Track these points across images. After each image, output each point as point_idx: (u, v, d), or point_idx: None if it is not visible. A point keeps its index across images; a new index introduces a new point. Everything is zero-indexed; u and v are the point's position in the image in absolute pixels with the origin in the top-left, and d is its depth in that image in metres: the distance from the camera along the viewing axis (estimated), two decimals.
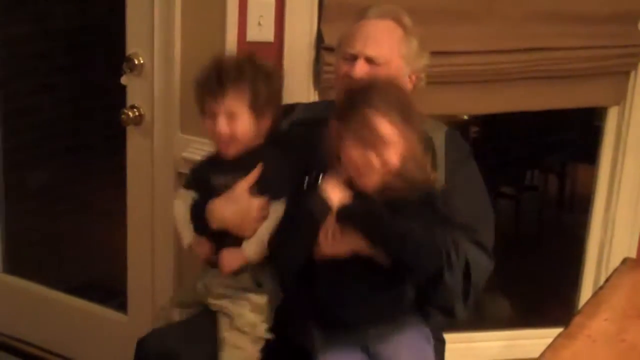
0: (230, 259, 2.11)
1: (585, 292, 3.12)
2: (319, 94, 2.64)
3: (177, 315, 2.22)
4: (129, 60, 2.79)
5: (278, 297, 2.15)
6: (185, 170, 2.60)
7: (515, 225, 5.24)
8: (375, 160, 1.88)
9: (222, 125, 2.08)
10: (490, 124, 4.95)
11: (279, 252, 2.05)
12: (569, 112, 3.16)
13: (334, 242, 1.93)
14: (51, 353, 3.34)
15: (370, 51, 2.11)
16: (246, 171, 2.11)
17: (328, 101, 2.34)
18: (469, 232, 2.12)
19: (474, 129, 5.23)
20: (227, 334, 2.08)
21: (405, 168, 1.91)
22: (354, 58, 2.13)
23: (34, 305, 3.39)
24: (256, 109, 2.09)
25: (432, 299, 2.08)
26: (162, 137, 2.79)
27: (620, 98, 2.94)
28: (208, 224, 2.12)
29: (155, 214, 2.87)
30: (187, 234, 2.19)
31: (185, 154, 2.69)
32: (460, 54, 2.69)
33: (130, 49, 2.80)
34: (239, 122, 2.08)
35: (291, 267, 2.05)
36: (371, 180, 1.90)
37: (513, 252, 4.59)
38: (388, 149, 1.89)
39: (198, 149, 2.57)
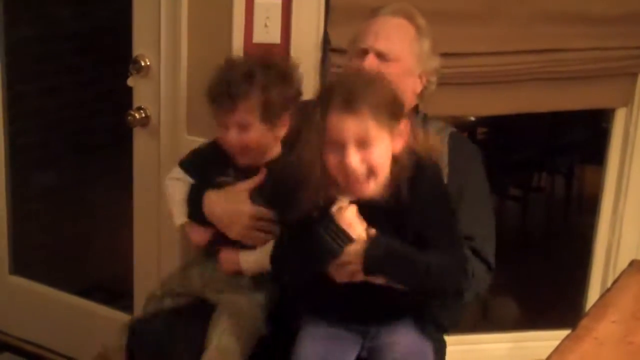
0: (228, 260, 2.10)
1: (593, 294, 3.11)
2: None
3: (168, 303, 2.18)
4: (136, 62, 2.79)
5: (275, 296, 2.12)
6: None
7: (522, 226, 5.24)
8: (359, 166, 1.76)
9: (233, 136, 2.04)
10: (497, 125, 4.95)
11: (283, 270, 1.98)
12: (576, 113, 3.16)
13: (350, 275, 1.85)
14: (57, 354, 3.35)
15: (381, 46, 2.09)
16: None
17: None
18: (469, 241, 2.08)
19: (481, 130, 5.23)
20: (227, 323, 2.05)
21: (401, 162, 1.81)
22: (365, 53, 2.10)
23: (41, 306, 3.39)
24: (268, 117, 2.05)
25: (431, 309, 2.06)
26: (169, 138, 2.79)
27: (627, 100, 2.94)
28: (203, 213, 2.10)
29: (162, 215, 2.86)
30: (180, 215, 2.16)
31: None
32: (467, 56, 2.68)
33: (136, 51, 2.80)
34: (250, 133, 2.04)
35: (297, 283, 1.99)
36: (366, 185, 1.80)
37: (520, 253, 4.60)
38: (372, 148, 1.76)
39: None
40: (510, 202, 5.26)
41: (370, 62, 2.08)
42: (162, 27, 2.70)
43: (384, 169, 1.80)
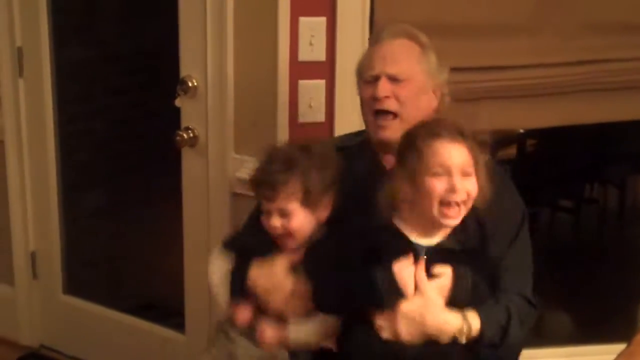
0: (271, 333, 2.02)
1: None
2: None
3: None
4: (183, 82, 2.81)
5: None
6: (240, 190, 2.61)
7: (575, 239, 5.17)
8: (461, 188, 1.81)
9: (275, 223, 2.01)
10: (546, 136, 4.89)
11: (323, 302, 1.95)
12: (627, 123, 3.11)
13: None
14: None
15: (391, 69, 2.08)
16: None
17: (357, 131, 2.31)
18: (514, 284, 2.03)
19: (530, 142, 5.17)
20: None
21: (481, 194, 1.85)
22: (376, 79, 2.10)
23: (94, 325, 3.43)
24: (310, 202, 2.02)
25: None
26: (217, 157, 2.80)
27: None
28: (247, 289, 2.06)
29: (211, 233, 2.88)
30: (224, 295, 2.11)
31: (239, 174, 2.71)
32: (515, 68, 2.67)
33: (184, 72, 2.83)
34: (292, 219, 2.01)
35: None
36: (458, 213, 1.83)
37: (573, 266, 4.53)
38: (470, 175, 1.83)
39: (252, 169, 2.57)
40: (563, 215, 5.19)
41: (384, 85, 2.08)
42: (209, 48, 2.73)
43: None
